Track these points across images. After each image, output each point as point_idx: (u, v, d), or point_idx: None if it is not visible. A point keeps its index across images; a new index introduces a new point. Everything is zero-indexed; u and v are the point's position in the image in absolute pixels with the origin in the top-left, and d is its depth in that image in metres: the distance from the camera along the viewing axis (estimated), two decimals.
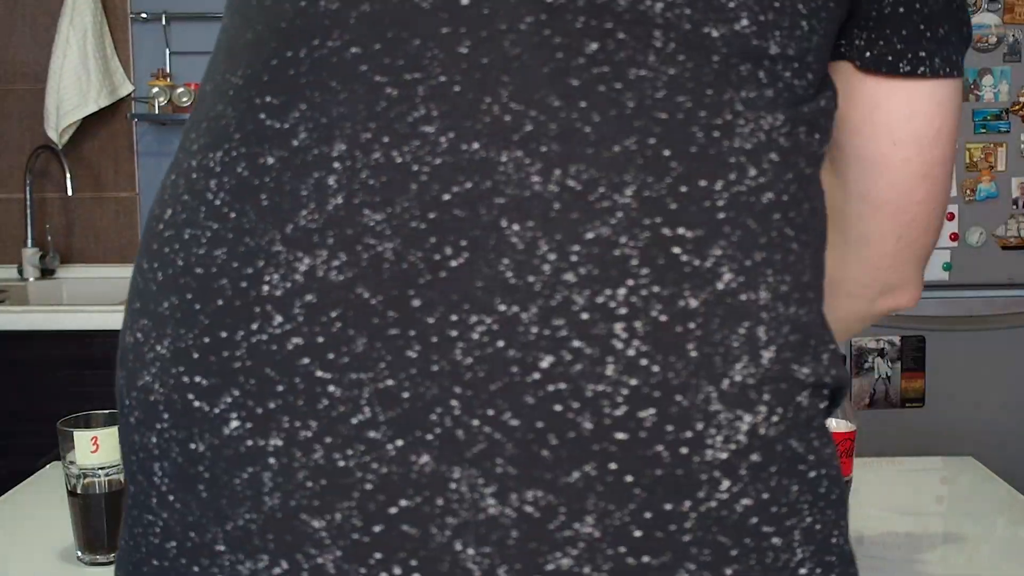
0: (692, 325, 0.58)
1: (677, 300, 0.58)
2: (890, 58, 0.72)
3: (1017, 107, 2.43)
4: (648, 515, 0.58)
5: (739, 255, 0.60)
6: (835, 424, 1.29)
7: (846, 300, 0.85)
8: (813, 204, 0.66)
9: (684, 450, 0.58)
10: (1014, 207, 2.45)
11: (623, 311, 0.57)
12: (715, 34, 0.61)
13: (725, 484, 0.59)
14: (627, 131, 0.59)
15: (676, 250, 0.58)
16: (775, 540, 0.60)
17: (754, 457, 0.60)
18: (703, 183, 0.59)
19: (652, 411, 0.58)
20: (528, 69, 0.59)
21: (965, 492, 1.63)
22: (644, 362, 0.57)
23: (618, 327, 0.57)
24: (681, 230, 0.59)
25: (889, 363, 2.47)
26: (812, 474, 0.63)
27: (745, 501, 0.59)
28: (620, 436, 0.57)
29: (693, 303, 0.58)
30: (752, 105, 0.62)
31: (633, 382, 0.57)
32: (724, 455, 0.59)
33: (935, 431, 2.46)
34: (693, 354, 0.58)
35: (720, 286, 0.59)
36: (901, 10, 0.71)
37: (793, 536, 0.61)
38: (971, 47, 2.40)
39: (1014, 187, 2.45)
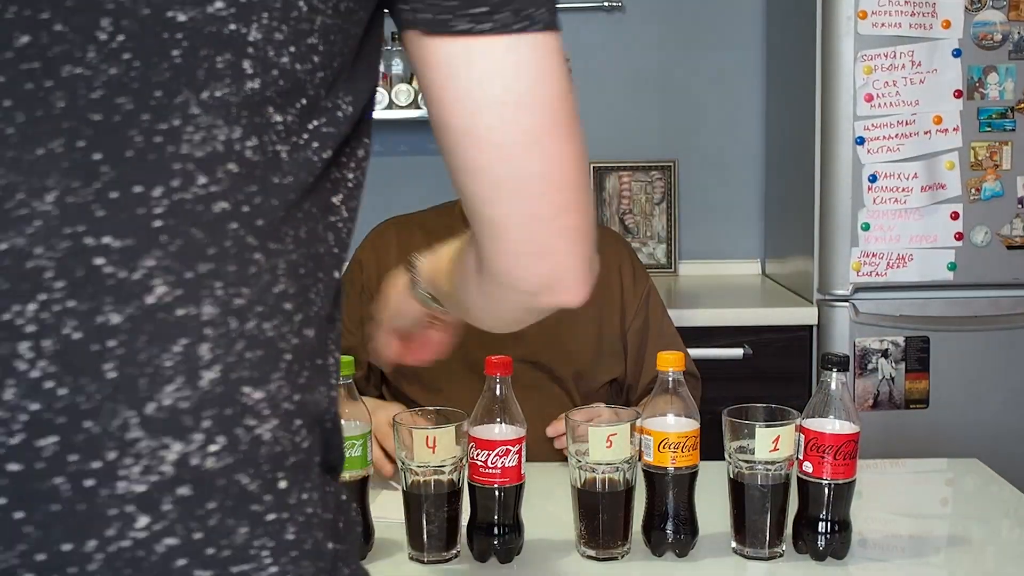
0: (112, 343, 0.54)
1: (95, 316, 0.54)
2: (445, 16, 0.65)
3: (1023, 105, 2.41)
4: (41, 556, 0.53)
5: (177, 266, 0.56)
6: (839, 425, 1.28)
7: (500, 289, 0.76)
8: (310, 211, 0.62)
9: (89, 482, 0.54)
10: (1019, 206, 2.44)
11: (31, 328, 0.54)
12: (182, 18, 0.56)
13: (142, 521, 0.54)
14: (54, 133, 0.55)
15: (99, 261, 0.55)
16: None
17: (182, 491, 0.55)
18: (138, 189, 0.56)
19: (54, 439, 0.54)
20: None
21: (970, 494, 1.62)
22: (49, 384, 0.53)
23: (23, 346, 0.53)
24: (107, 239, 0.55)
25: (893, 364, 2.45)
26: (271, 517, 0.58)
27: (169, 541, 0.55)
28: (12, 468, 0.53)
29: (115, 319, 0.54)
30: (214, 109, 0.57)
31: (34, 407, 0.53)
32: (141, 488, 0.54)
33: (939, 432, 2.45)
34: (111, 375, 0.54)
35: (150, 300, 0.55)
36: None
37: None
38: (976, 44, 2.39)
39: (1019, 186, 2.43)
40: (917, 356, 2.46)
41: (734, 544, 1.31)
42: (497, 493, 1.27)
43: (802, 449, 1.28)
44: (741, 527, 1.30)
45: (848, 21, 2.39)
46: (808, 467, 1.28)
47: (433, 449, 1.26)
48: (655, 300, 1.89)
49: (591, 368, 1.77)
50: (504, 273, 0.74)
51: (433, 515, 1.28)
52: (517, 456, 1.27)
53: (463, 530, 1.32)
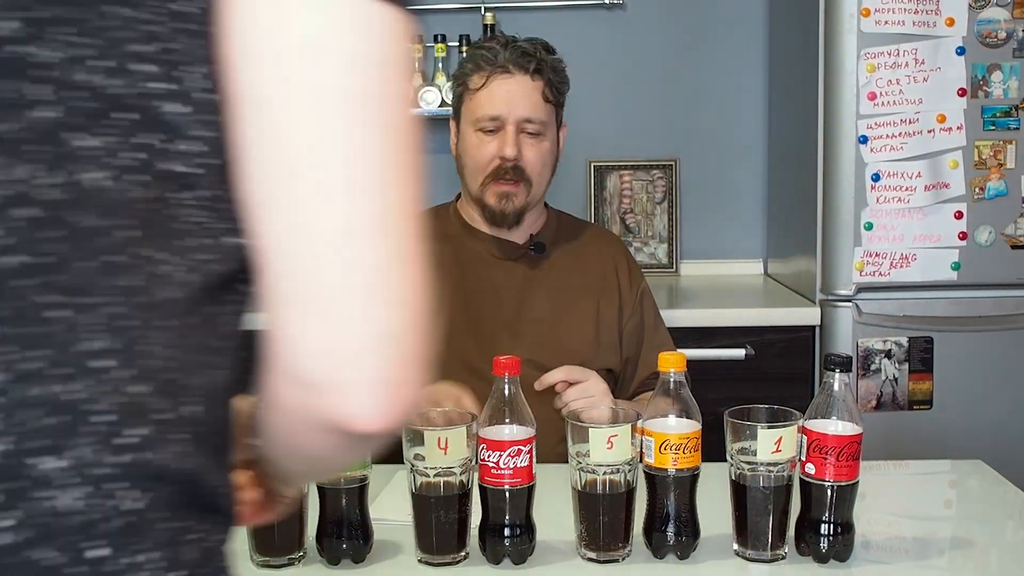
0: None
1: None
2: None
3: None
4: None
5: None
6: (841, 427, 1.27)
7: (278, 381, 0.59)
8: (125, 258, 0.55)
9: None
10: None
11: None
12: None
13: None
14: None
15: None
16: None
17: None
18: None
19: None
20: None
21: (974, 496, 1.61)
22: None
23: None
24: None
25: (896, 364, 2.44)
26: None
27: None
28: None
29: None
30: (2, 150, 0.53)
31: None
32: None
33: (943, 433, 2.44)
34: None
35: None
36: None
37: None
38: (979, 42, 2.37)
39: None
40: (920, 357, 2.44)
41: (736, 546, 1.30)
42: (510, 494, 1.27)
43: (804, 450, 1.27)
44: (743, 529, 1.29)
45: (851, 19, 2.38)
46: (811, 468, 1.27)
47: (445, 450, 1.25)
48: (649, 302, 1.92)
49: (589, 362, 1.76)
50: (278, 340, 0.57)
51: (443, 517, 1.28)
52: (528, 456, 1.27)
53: (472, 531, 1.31)
